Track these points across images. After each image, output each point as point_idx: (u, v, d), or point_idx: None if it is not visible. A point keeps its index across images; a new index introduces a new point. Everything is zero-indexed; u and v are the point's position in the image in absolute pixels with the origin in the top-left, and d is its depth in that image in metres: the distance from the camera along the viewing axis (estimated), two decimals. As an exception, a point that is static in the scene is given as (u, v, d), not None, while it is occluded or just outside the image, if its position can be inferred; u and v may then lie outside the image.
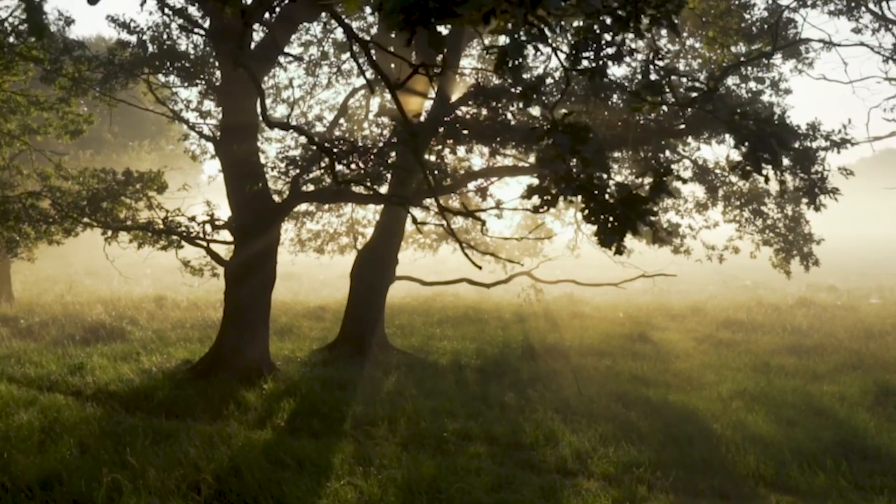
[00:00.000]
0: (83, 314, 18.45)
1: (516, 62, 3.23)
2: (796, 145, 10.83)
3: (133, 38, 13.18)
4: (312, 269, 29.70)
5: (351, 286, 14.51)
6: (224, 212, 12.36)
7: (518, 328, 17.72)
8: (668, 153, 14.46)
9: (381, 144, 12.06)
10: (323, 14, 13.38)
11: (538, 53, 14.92)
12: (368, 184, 11.25)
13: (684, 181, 13.26)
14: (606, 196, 3.37)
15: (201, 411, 9.63)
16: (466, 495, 6.78)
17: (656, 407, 10.33)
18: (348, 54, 17.11)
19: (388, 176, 12.42)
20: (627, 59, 11.71)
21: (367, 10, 14.88)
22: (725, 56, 14.25)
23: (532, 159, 12.96)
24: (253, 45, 12.08)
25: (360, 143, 12.31)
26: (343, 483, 6.99)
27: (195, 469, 7.05)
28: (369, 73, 12.56)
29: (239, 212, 12.00)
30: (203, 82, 13.47)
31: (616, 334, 16.77)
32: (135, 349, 13.85)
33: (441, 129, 12.48)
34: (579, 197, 3.55)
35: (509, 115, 12.37)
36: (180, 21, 12.70)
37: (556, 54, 4.13)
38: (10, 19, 12.34)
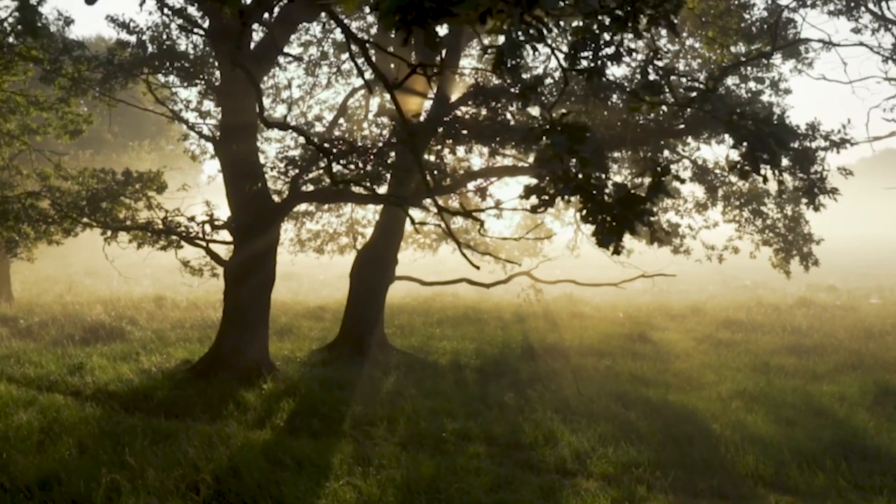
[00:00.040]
0: (83, 314, 18.45)
1: (514, 62, 3.23)
2: (795, 145, 10.83)
3: (133, 38, 13.19)
4: (312, 269, 29.69)
5: (350, 286, 14.50)
6: (224, 212, 12.37)
7: (518, 328, 17.72)
8: (667, 153, 14.46)
9: (380, 144, 12.06)
10: (323, 14, 13.38)
11: (536, 53, 14.91)
12: (367, 184, 11.25)
13: (682, 181, 13.26)
14: (604, 196, 3.37)
15: (200, 411, 9.63)
16: (465, 495, 6.78)
17: (656, 407, 10.33)
18: (348, 54, 17.12)
19: (388, 176, 12.42)
20: (627, 59, 11.70)
21: (367, 10, 14.88)
22: (725, 56, 14.25)
23: (532, 159, 12.96)
24: (252, 46, 12.08)
25: (360, 144, 12.31)
26: (342, 483, 6.99)
27: (194, 469, 7.06)
28: (368, 74, 12.56)
29: (238, 212, 12.00)
30: (202, 82, 13.47)
31: (616, 334, 16.77)
32: (134, 349, 13.85)
33: (440, 129, 12.48)
34: (577, 197, 3.55)
35: (509, 116, 12.37)
36: (180, 21, 12.70)
37: (555, 54, 4.13)
38: (10, 19, 12.34)
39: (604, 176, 3.56)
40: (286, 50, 14.47)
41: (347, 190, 12.13)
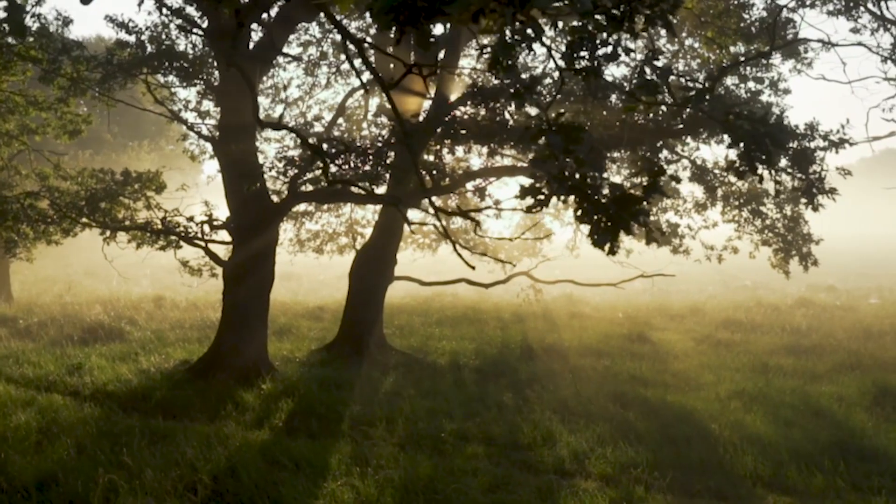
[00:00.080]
0: (82, 314, 18.45)
1: (508, 62, 3.22)
2: (794, 145, 10.82)
3: (132, 39, 13.19)
4: (311, 269, 29.69)
5: (350, 286, 14.50)
6: (223, 212, 12.37)
7: (517, 328, 17.71)
8: (666, 153, 14.46)
9: (379, 144, 12.06)
10: (321, 14, 13.38)
11: (531, 53, 14.90)
12: (366, 184, 11.24)
13: (678, 181, 13.25)
14: (600, 196, 3.36)
15: (199, 411, 9.62)
16: (463, 496, 6.77)
17: (654, 407, 10.32)
18: (345, 54, 17.11)
19: (387, 176, 12.42)
20: (625, 59, 11.71)
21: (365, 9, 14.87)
22: (724, 56, 14.25)
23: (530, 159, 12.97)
24: (251, 46, 12.08)
25: (359, 144, 12.30)
26: (340, 483, 6.98)
27: (192, 469, 7.05)
28: (366, 76, 12.55)
29: (237, 212, 12.00)
30: (201, 82, 13.47)
31: (615, 334, 16.76)
32: (133, 349, 13.84)
33: (439, 130, 12.48)
34: (573, 197, 3.55)
35: (507, 116, 12.37)
36: (178, 21, 12.70)
37: (552, 54, 4.12)
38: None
39: (599, 176, 3.55)
40: (285, 50, 14.48)
41: (346, 190, 12.13)
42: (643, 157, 13.49)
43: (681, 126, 13.03)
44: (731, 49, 14.34)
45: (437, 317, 19.10)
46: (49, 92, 15.15)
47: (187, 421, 9.20)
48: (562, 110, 11.99)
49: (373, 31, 16.98)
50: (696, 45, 15.45)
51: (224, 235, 12.46)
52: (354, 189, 11.89)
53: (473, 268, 8.51)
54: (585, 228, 3.53)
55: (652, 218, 16.25)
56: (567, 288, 22.62)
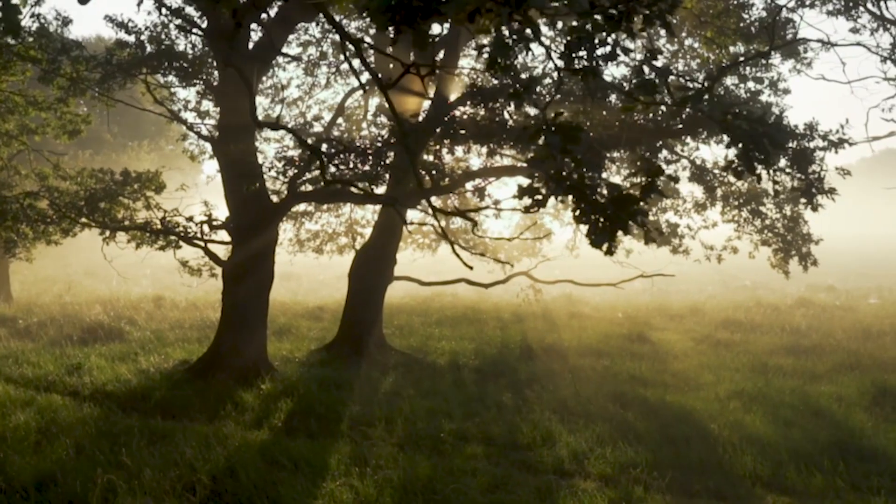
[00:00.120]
0: (81, 314, 18.45)
1: (506, 62, 3.22)
2: (793, 145, 10.82)
3: (131, 39, 13.19)
4: (311, 269, 29.69)
5: (349, 286, 14.50)
6: (222, 212, 12.37)
7: (516, 328, 17.71)
8: (665, 153, 14.45)
9: (379, 144, 12.06)
10: (321, 14, 13.38)
11: (529, 53, 14.90)
12: (365, 184, 11.24)
13: (676, 181, 13.26)
14: (597, 196, 3.36)
15: (198, 411, 9.62)
16: (462, 496, 6.77)
17: (654, 407, 10.32)
18: (344, 54, 17.11)
19: (387, 176, 12.41)
20: (624, 59, 11.70)
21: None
22: (723, 56, 14.24)
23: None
24: (251, 46, 12.07)
25: (358, 144, 12.30)
26: (339, 484, 6.98)
27: (191, 469, 7.05)
28: (364, 76, 12.56)
29: (237, 212, 12.00)
30: (201, 82, 13.47)
31: (614, 334, 16.76)
32: (133, 349, 13.84)
33: (438, 130, 12.47)
34: (571, 197, 3.54)
35: (506, 116, 12.37)
36: (178, 21, 12.70)
37: (551, 54, 4.12)
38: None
39: (597, 176, 3.55)
40: (285, 50, 14.47)
41: (345, 190, 12.12)
42: (642, 157, 13.48)
43: (680, 126, 13.02)
44: (731, 49, 14.34)
45: (436, 317, 19.09)
46: (49, 92, 15.14)
47: (186, 421, 9.20)
48: (561, 110, 11.98)
49: (372, 31, 16.98)
50: (696, 44, 15.45)
51: (223, 235, 12.46)
52: (353, 189, 11.89)
53: (471, 268, 8.52)
54: (584, 228, 3.54)
55: (652, 218, 16.24)
56: (567, 288, 22.61)
